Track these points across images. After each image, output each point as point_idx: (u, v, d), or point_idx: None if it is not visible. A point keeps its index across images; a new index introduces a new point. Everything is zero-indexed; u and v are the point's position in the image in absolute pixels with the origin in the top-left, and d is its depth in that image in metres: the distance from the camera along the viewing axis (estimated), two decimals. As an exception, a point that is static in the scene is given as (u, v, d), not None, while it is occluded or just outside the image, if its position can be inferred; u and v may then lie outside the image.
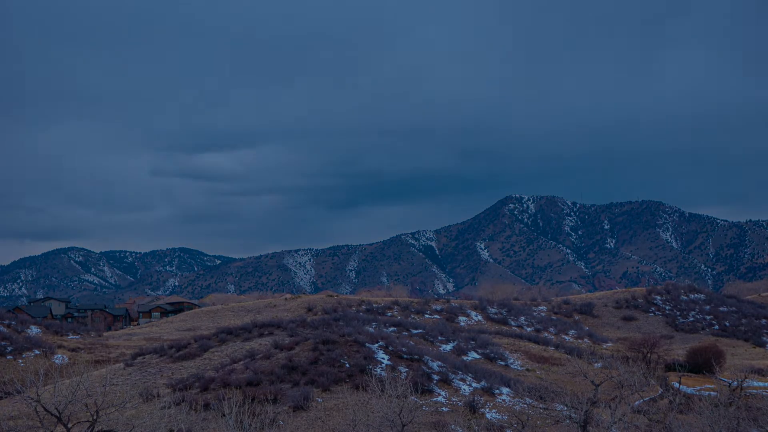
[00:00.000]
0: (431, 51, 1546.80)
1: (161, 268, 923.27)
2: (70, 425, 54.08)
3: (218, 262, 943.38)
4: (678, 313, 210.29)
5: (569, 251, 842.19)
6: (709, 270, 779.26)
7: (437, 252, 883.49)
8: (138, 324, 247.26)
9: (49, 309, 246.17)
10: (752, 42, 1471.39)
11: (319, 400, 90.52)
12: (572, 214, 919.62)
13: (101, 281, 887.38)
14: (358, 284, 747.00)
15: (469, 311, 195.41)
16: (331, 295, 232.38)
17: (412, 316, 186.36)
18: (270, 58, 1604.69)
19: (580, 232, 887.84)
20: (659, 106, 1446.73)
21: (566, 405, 70.18)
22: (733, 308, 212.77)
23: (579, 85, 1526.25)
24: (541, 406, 78.18)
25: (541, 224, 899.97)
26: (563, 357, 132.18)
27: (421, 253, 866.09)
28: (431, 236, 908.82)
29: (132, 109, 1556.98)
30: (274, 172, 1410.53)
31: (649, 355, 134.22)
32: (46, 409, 53.32)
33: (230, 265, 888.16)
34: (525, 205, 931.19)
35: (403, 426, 63.05)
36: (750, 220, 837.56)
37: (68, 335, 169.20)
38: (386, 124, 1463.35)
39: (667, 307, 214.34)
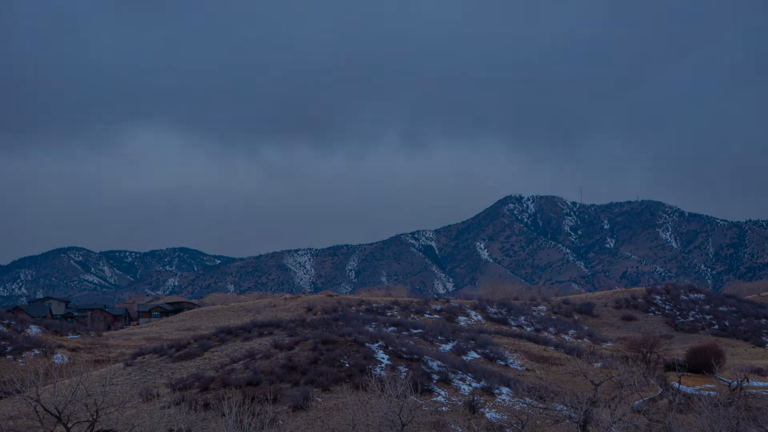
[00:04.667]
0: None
1: (161, 267, 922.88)
2: (69, 425, 54.05)
3: (218, 261, 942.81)
4: (678, 312, 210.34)
5: (569, 251, 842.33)
6: (709, 270, 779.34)
7: (437, 252, 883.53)
8: (138, 324, 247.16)
9: (48, 309, 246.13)
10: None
11: (319, 399, 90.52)
12: (572, 213, 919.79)
13: (101, 281, 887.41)
14: (358, 284, 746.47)
15: (468, 311, 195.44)
16: (330, 295, 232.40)
17: (411, 315, 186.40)
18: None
19: (579, 232, 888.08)
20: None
21: (566, 405, 70.18)
22: (733, 308, 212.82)
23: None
24: (540, 405, 78.15)
25: (540, 224, 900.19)
26: (563, 357, 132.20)
27: (420, 253, 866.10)
28: (431, 236, 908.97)
29: None
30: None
31: (648, 354, 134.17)
32: (45, 409, 53.30)
33: (230, 264, 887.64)
34: (525, 205, 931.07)
35: (403, 426, 63.04)
36: (750, 220, 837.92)
37: (68, 335, 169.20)
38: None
39: (667, 307, 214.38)
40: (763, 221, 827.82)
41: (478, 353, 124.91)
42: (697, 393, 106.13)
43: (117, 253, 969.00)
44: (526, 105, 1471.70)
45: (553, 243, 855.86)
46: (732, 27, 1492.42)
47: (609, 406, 72.53)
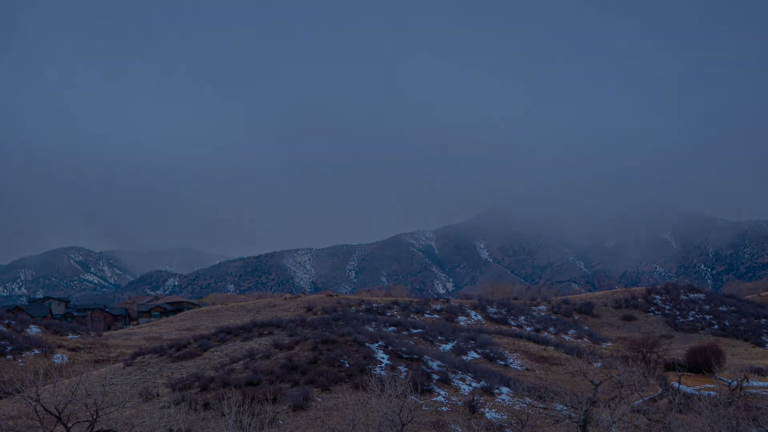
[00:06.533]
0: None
1: (161, 267, 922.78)
2: (69, 425, 53.98)
3: (218, 261, 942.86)
4: (678, 312, 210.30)
5: (569, 251, 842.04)
6: (709, 270, 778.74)
7: (437, 252, 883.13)
8: (138, 324, 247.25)
9: (48, 308, 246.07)
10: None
11: (319, 399, 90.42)
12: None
13: (101, 281, 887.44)
14: (358, 284, 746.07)
15: (468, 311, 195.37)
16: (330, 295, 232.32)
17: (411, 315, 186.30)
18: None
19: (580, 232, 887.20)
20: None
21: (566, 405, 70.12)
22: (733, 308, 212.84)
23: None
24: (540, 405, 78.08)
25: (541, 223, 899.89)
26: (563, 356, 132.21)
27: (420, 253, 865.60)
28: (431, 236, 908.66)
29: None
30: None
31: (648, 354, 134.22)
32: (45, 409, 53.23)
33: (230, 264, 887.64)
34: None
35: (403, 426, 62.96)
36: (750, 220, 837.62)
37: (68, 335, 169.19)
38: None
39: (667, 307, 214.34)
40: (763, 221, 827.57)
41: (478, 353, 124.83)
42: (697, 393, 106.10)
43: (117, 253, 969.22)
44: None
45: (553, 243, 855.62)
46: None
47: (609, 406, 72.49)
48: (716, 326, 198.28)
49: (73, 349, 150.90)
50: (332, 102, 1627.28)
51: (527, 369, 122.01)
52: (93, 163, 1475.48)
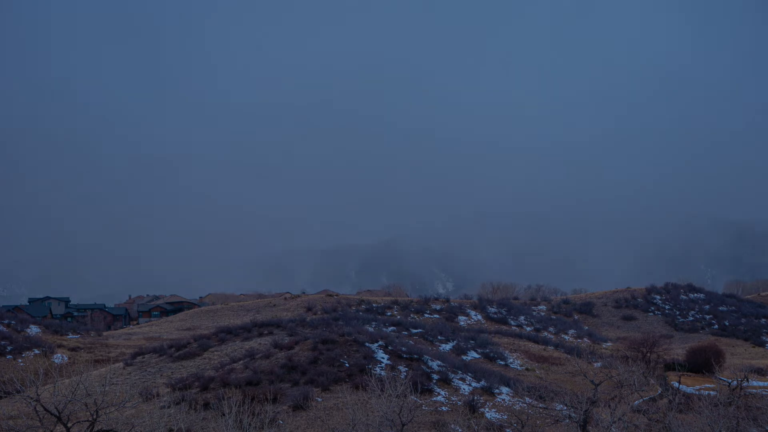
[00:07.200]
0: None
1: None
2: (69, 425, 53.92)
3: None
4: (677, 312, 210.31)
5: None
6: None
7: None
8: (138, 323, 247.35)
9: (48, 308, 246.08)
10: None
11: (319, 399, 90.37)
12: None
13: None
14: (358, 284, 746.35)
15: (468, 311, 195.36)
16: (330, 295, 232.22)
17: (411, 315, 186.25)
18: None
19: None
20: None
21: (566, 404, 70.08)
22: (733, 308, 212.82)
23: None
24: (540, 405, 78.10)
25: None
26: (563, 356, 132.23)
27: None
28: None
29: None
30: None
31: (648, 354, 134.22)
32: (45, 409, 53.18)
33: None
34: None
35: (403, 425, 62.92)
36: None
37: (68, 334, 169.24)
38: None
39: (667, 307, 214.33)
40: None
41: (478, 353, 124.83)
42: (697, 393, 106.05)
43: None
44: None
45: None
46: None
47: (609, 406, 72.52)
48: (716, 326, 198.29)
49: (73, 349, 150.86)
50: (334, 102, 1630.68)
51: (527, 369, 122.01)
52: (91, 162, 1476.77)
